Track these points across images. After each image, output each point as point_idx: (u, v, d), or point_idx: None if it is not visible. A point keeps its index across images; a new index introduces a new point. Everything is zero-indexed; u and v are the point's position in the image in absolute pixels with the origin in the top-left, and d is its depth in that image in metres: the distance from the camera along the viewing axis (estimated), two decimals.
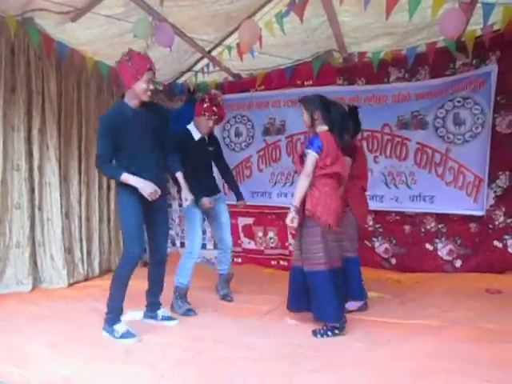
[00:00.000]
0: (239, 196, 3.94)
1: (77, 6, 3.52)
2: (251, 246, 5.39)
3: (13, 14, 3.52)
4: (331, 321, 2.83)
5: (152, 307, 3.18)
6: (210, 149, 3.72)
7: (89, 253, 4.61)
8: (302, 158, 2.96)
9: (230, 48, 4.23)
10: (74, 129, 4.48)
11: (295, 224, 2.85)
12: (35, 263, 4.09)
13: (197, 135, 3.61)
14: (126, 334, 2.76)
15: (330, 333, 2.81)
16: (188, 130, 3.64)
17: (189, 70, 5.22)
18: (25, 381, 2.16)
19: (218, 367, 2.35)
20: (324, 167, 2.88)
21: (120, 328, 2.79)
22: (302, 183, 2.86)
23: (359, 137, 4.65)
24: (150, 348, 2.65)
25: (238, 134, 5.44)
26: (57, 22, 3.73)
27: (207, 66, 4.83)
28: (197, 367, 2.36)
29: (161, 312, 3.17)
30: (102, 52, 4.31)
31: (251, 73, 5.17)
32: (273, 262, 5.25)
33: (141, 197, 2.78)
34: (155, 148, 2.93)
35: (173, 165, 3.10)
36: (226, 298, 3.79)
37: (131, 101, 2.82)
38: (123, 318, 2.91)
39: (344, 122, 3.01)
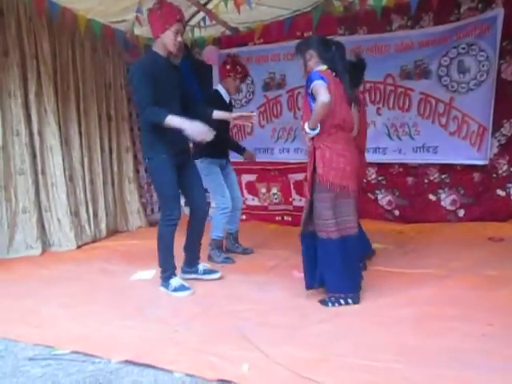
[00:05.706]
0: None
1: None
2: (255, 202, 5.43)
3: None
4: (345, 292, 2.58)
5: (191, 263, 3.20)
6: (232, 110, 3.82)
7: (95, 215, 4.66)
8: (309, 104, 2.54)
9: (225, 0, 4.07)
10: (72, 91, 4.40)
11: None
12: (43, 227, 4.15)
13: (227, 97, 3.73)
14: (181, 288, 2.89)
15: (342, 301, 2.57)
16: (218, 92, 3.74)
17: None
18: (43, 339, 2.24)
19: (229, 320, 2.43)
20: (332, 114, 2.49)
21: (174, 282, 2.91)
22: (320, 111, 2.40)
23: (361, 89, 4.59)
24: (161, 304, 2.73)
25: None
26: None
27: (203, 20, 4.67)
28: (208, 320, 2.45)
29: (201, 266, 3.21)
30: (95, 10, 4.17)
31: (249, 26, 5.01)
32: (277, 218, 5.31)
33: (172, 158, 2.79)
34: (179, 103, 2.86)
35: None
36: (246, 251, 3.90)
37: (161, 51, 2.77)
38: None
39: (345, 63, 2.64)
